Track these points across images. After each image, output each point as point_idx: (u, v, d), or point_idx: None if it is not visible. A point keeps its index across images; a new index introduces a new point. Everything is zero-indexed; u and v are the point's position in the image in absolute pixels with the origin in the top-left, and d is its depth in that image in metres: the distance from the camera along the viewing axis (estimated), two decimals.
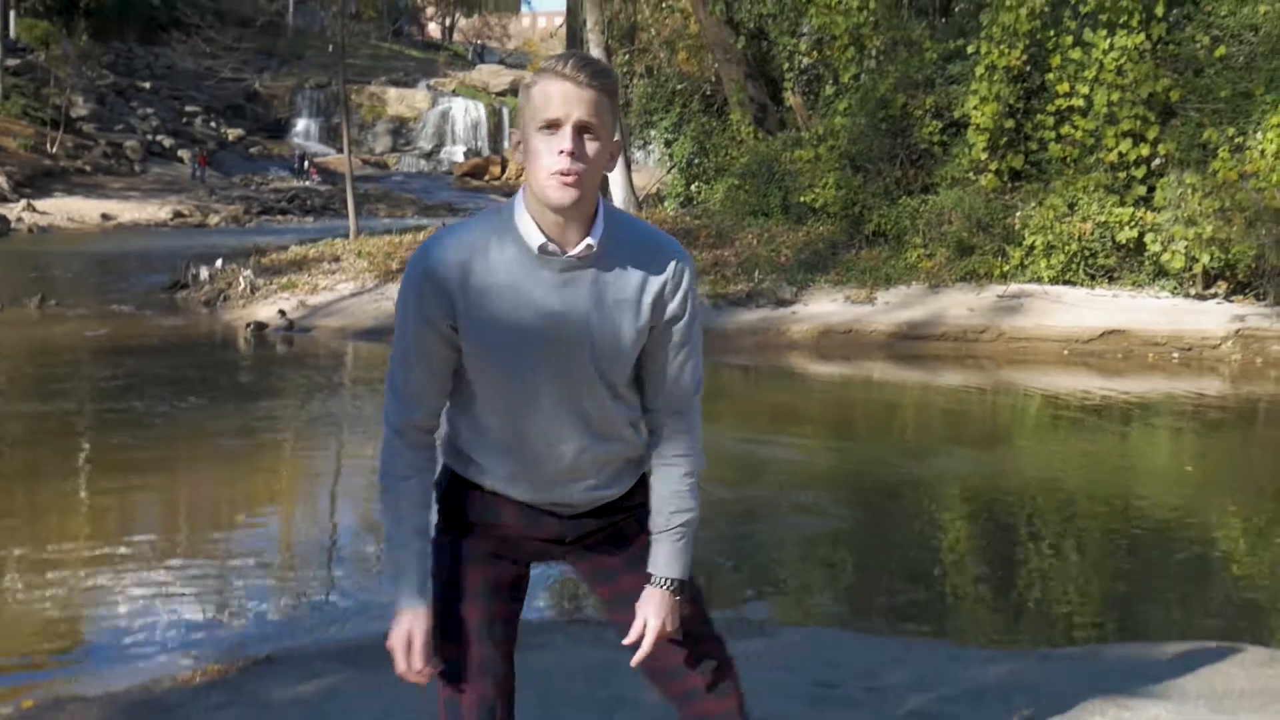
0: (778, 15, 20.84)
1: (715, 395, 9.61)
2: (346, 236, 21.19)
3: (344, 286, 16.21)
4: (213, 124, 49.64)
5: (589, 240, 2.04)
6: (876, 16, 17.79)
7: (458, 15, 78.38)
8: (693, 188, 21.79)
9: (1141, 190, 14.17)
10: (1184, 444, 9.52)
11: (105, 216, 34.21)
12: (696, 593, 2.30)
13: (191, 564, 5.82)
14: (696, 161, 21.72)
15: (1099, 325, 12.95)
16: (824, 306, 14.17)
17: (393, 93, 55.18)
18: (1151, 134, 14.07)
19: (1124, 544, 6.37)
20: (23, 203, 33.41)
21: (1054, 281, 14.16)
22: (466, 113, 54.91)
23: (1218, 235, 12.92)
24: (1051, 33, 14.87)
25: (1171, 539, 6.42)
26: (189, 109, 49.46)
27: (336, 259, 18.22)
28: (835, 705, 3.78)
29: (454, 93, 56.63)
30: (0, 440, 8.53)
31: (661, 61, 24.09)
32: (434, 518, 2.21)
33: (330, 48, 47.74)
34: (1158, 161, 14.19)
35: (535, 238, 2.04)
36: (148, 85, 49.84)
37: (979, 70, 15.23)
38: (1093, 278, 14.22)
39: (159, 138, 45.76)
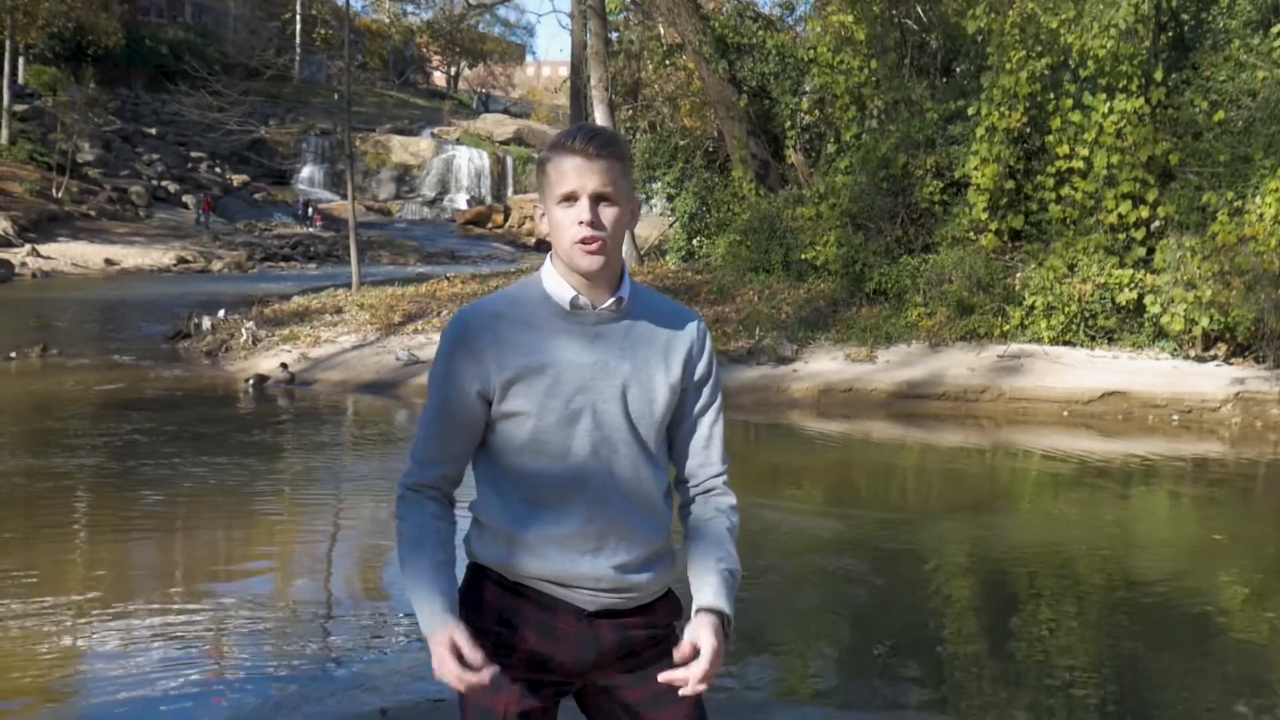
0: (780, 74, 21.05)
1: None
2: (349, 284, 21.28)
3: (345, 339, 16.24)
4: (218, 170, 49.95)
5: (620, 294, 2.13)
6: (878, 76, 17.98)
7: (463, 64, 79.01)
8: (694, 242, 21.90)
9: (1141, 252, 14.25)
10: (1184, 509, 9.51)
11: (109, 262, 34.36)
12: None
13: (187, 630, 5.79)
14: (698, 216, 21.83)
15: (1099, 386, 12.96)
16: (824, 364, 14.20)
17: (397, 140, 55.56)
18: (1151, 196, 14.17)
19: (1125, 615, 6.34)
20: (27, 247, 33.58)
21: (1054, 342, 14.20)
22: (470, 161, 55.27)
23: (1217, 298, 12.97)
24: (1051, 95, 15.01)
25: (1172, 609, 6.40)
26: (194, 155, 49.79)
27: (339, 310, 18.28)
28: None
29: (458, 141, 57.01)
30: None
31: (665, 117, 24.27)
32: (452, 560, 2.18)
33: (336, 96, 48.25)
34: (1157, 224, 14.28)
35: (566, 294, 2.12)
36: (154, 131, 50.22)
37: (979, 131, 15.35)
38: (1093, 339, 14.27)
39: (164, 183, 46.04)
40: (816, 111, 20.93)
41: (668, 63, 24.19)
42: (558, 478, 2.11)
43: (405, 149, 55.31)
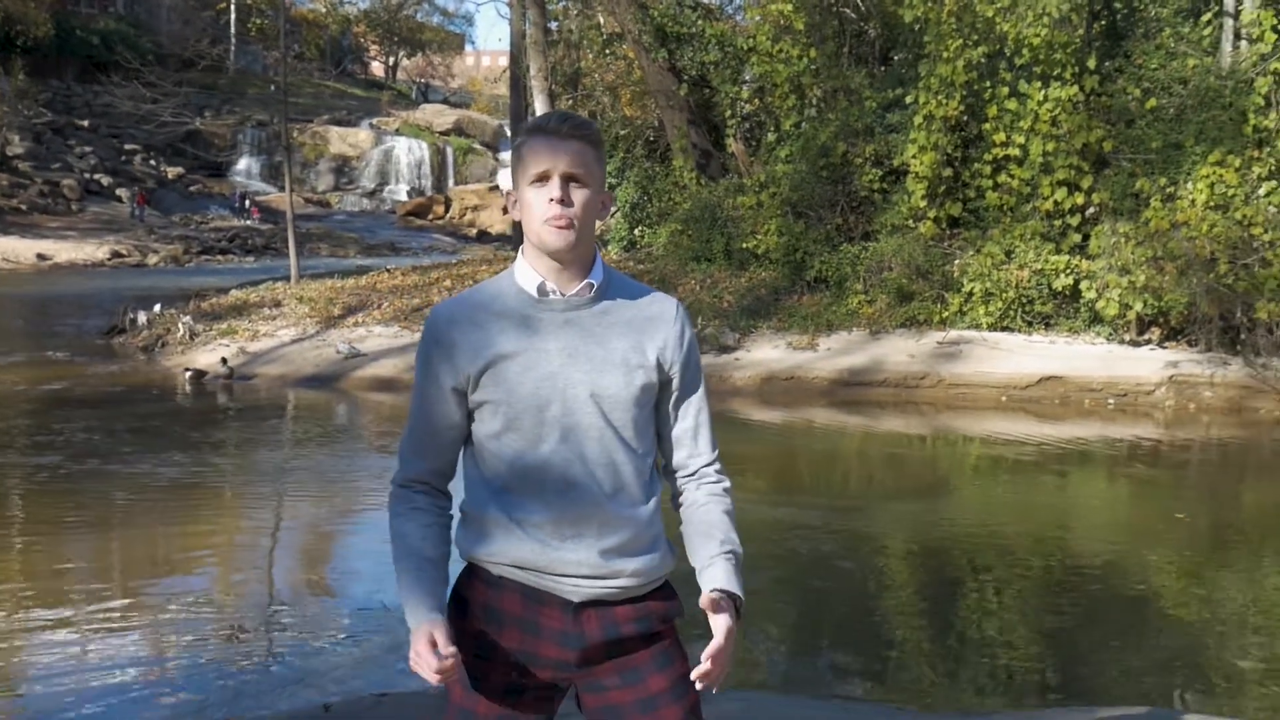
0: (719, 63, 21.09)
1: None
2: (288, 277, 21.06)
3: (285, 333, 16.08)
4: (152, 162, 49.11)
5: (590, 280, 2.14)
6: (817, 65, 18.06)
7: (401, 55, 78.33)
8: (636, 232, 21.90)
9: (1076, 238, 14.44)
10: (1121, 491, 9.67)
11: (41, 256, 33.72)
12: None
13: (126, 630, 5.72)
14: (640, 206, 21.84)
15: (1036, 371, 13.14)
16: (767, 353, 14.26)
17: (335, 131, 54.93)
18: (1086, 183, 14.36)
19: (1064, 594, 6.44)
20: None
21: (992, 328, 14.37)
22: (410, 152, 54.77)
23: (1151, 283, 13.18)
24: (988, 84, 15.16)
25: (1110, 588, 6.51)
26: (128, 147, 48.90)
27: (277, 304, 18.09)
28: None
29: (397, 132, 56.47)
30: None
31: (605, 107, 24.21)
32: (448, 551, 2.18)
33: (272, 87, 47.69)
34: (1092, 210, 14.48)
35: (533, 281, 2.14)
36: (86, 123, 49.26)
37: (917, 120, 15.47)
38: (1030, 324, 14.45)
39: (97, 176, 45.20)
40: (756, 100, 21.01)
41: (607, 52, 24.15)
42: (531, 464, 2.12)
43: (344, 140, 54.69)
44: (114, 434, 10.72)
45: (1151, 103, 14.47)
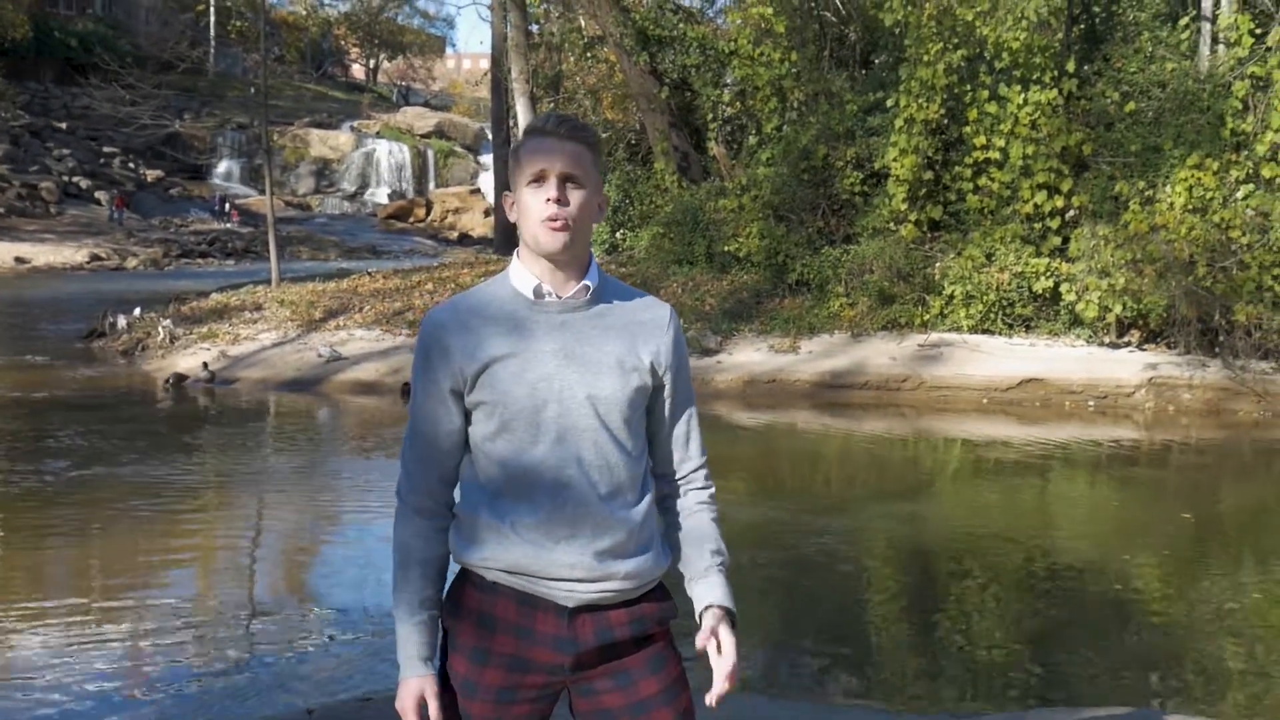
0: (701, 66, 21.13)
1: None
2: (268, 280, 20.98)
3: (266, 336, 16.02)
4: (131, 165, 48.87)
5: (585, 282, 2.16)
6: (798, 68, 18.11)
7: (382, 57, 78.18)
8: (618, 235, 21.90)
9: (1056, 241, 14.51)
10: (1101, 492, 9.71)
11: (19, 260, 33.53)
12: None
13: (105, 635, 5.69)
14: (621, 209, 21.85)
15: (1017, 374, 13.19)
16: (749, 356, 14.29)
17: (316, 134, 54.80)
18: (1065, 186, 14.43)
19: (1045, 595, 6.47)
20: None
21: (973, 331, 14.42)
22: (391, 154, 54.69)
23: (1130, 286, 13.24)
24: (968, 87, 15.21)
25: (1090, 589, 6.54)
26: (107, 150, 48.65)
27: (258, 307, 18.02)
28: None
29: (378, 134, 56.37)
30: None
31: (586, 110, 24.20)
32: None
33: (252, 89, 47.51)
34: (1072, 213, 14.55)
35: (529, 283, 2.15)
36: (64, 126, 48.99)
37: (898, 123, 15.52)
38: (1010, 327, 14.50)
39: (75, 179, 44.96)
40: (738, 103, 21.05)
41: (589, 55, 24.15)
42: (525, 466, 2.12)
43: (324, 143, 54.56)
44: (94, 438, 10.66)
45: (1130, 106, 14.55)
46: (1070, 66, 14.68)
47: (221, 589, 6.68)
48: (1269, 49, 13.91)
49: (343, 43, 75.17)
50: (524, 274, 2.16)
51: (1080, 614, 6.17)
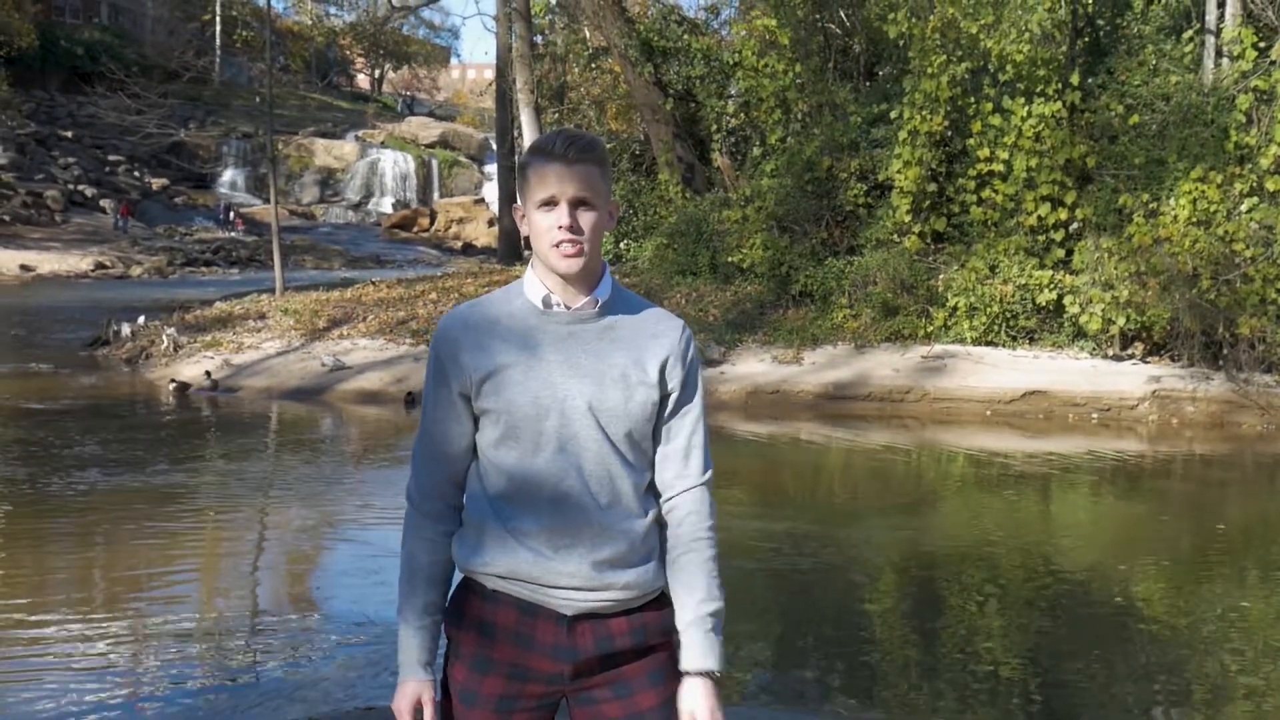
0: (705, 77, 21.17)
1: None
2: (272, 289, 21.02)
3: (270, 345, 16.04)
4: (136, 174, 49.00)
5: (595, 295, 2.17)
6: (802, 80, 18.15)
7: (387, 67, 78.36)
8: (621, 245, 21.93)
9: (1060, 253, 14.51)
10: (1105, 506, 9.70)
11: (24, 268, 33.61)
12: None
13: (108, 644, 5.69)
14: (625, 219, 21.88)
15: (1021, 386, 13.18)
16: (752, 366, 14.29)
17: (320, 143, 54.92)
18: (1069, 199, 14.44)
19: (1048, 608, 6.46)
20: None
21: (976, 342, 14.42)
22: (395, 164, 54.80)
23: (1134, 298, 13.24)
24: (972, 100, 15.24)
25: (1093, 602, 6.54)
26: (112, 158, 48.78)
27: (262, 316, 18.05)
28: None
29: (383, 144, 56.49)
30: None
31: (591, 120, 24.27)
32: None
33: (257, 98, 47.63)
34: (1075, 226, 14.56)
35: (540, 293, 2.17)
36: (69, 134, 49.15)
37: (902, 135, 15.54)
38: (1014, 339, 14.50)
39: (81, 187, 45.09)
40: (742, 115, 21.08)
41: (593, 66, 24.21)
42: (527, 474, 2.13)
43: (329, 152, 54.67)
44: (97, 446, 10.67)
45: (1134, 119, 14.56)
46: (1074, 79, 14.70)
47: (223, 598, 6.69)
48: (1273, 62, 13.94)
49: (348, 53, 75.33)
50: (536, 285, 2.18)
51: (1082, 626, 6.16)
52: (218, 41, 53.84)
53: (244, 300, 19.98)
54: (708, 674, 2.17)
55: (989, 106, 14.91)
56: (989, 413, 12.96)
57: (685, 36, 21.90)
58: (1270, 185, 13.24)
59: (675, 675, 2.21)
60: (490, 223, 46.19)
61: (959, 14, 15.18)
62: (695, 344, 2.28)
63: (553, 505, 2.12)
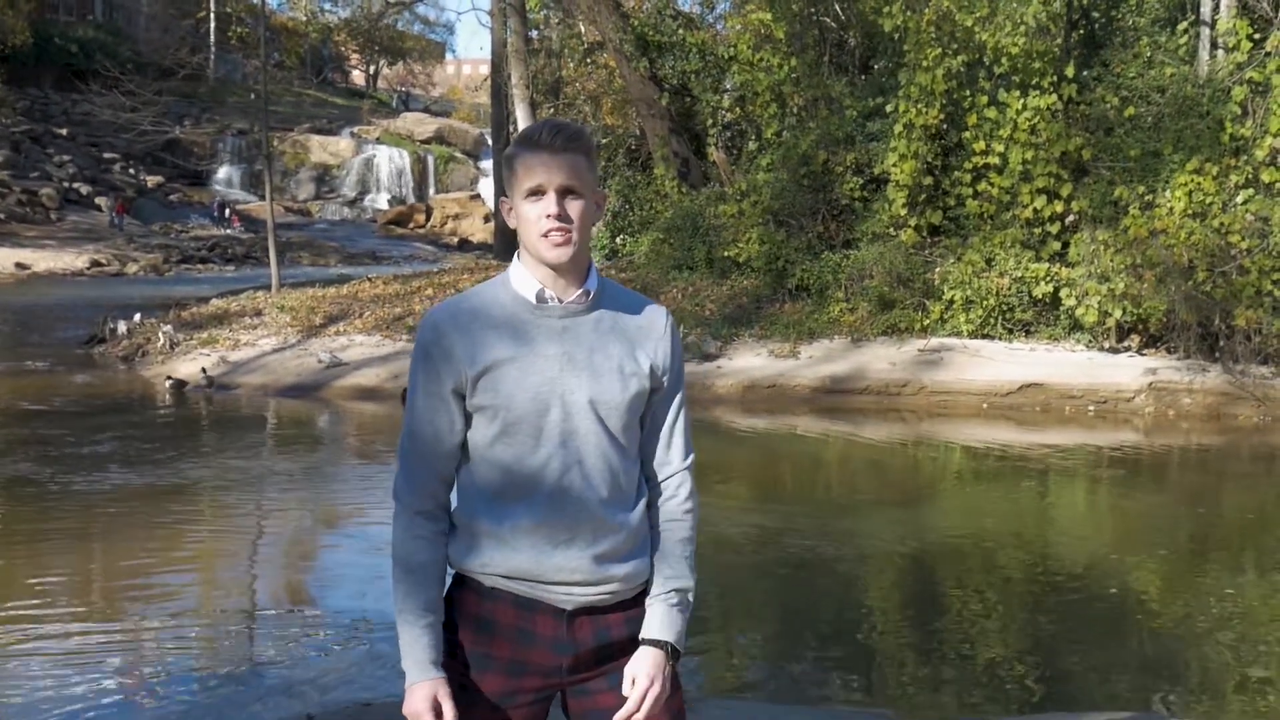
0: (700, 72, 21.15)
1: None
2: (268, 286, 21.00)
3: (266, 342, 16.03)
4: (131, 171, 48.89)
5: (586, 287, 2.16)
6: (797, 74, 18.13)
7: (382, 63, 78.27)
8: (618, 240, 21.92)
9: (1056, 246, 14.52)
10: (1102, 498, 9.71)
11: (20, 266, 33.54)
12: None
13: (106, 640, 5.69)
14: (621, 214, 21.86)
15: (1017, 379, 13.19)
16: (748, 361, 14.29)
17: (316, 140, 54.80)
18: (1065, 191, 14.44)
19: (1046, 601, 6.47)
20: None
21: (973, 335, 14.42)
22: (391, 160, 54.70)
23: (1130, 291, 13.25)
24: (967, 93, 15.23)
25: (1091, 595, 6.54)
26: (107, 156, 48.67)
27: (258, 313, 18.03)
28: None
29: (378, 140, 56.40)
30: None
31: (586, 115, 24.24)
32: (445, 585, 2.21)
33: (252, 95, 47.54)
34: (1071, 218, 14.56)
35: (532, 288, 2.15)
36: (64, 132, 49.01)
37: (898, 128, 15.53)
38: (1010, 332, 14.51)
39: (76, 185, 44.99)
40: (737, 109, 21.08)
41: (588, 61, 24.20)
42: (526, 469, 2.12)
43: (324, 149, 54.55)
44: (94, 444, 10.66)
45: (1130, 111, 14.56)
46: (1069, 72, 14.70)
47: (221, 594, 6.68)
48: (1268, 54, 13.93)
49: (343, 49, 75.24)
50: (526, 278, 2.16)
51: (1081, 618, 6.17)
52: (212, 38, 53.70)
53: (240, 297, 19.97)
54: (661, 645, 2.16)
55: (984, 99, 14.91)
56: (985, 406, 12.97)
57: (680, 31, 21.87)
58: (1265, 177, 13.25)
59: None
60: (486, 218, 46.21)
61: (954, 7, 15.16)
62: (678, 331, 2.29)
63: (552, 501, 2.12)
